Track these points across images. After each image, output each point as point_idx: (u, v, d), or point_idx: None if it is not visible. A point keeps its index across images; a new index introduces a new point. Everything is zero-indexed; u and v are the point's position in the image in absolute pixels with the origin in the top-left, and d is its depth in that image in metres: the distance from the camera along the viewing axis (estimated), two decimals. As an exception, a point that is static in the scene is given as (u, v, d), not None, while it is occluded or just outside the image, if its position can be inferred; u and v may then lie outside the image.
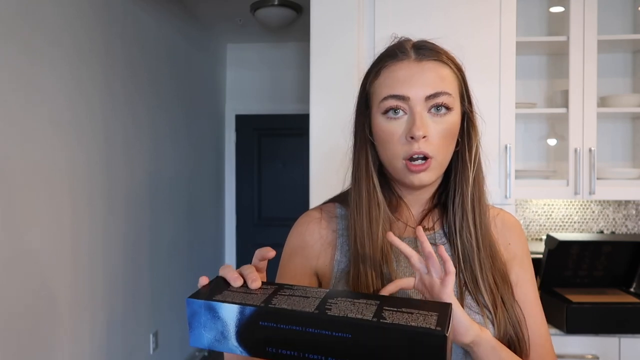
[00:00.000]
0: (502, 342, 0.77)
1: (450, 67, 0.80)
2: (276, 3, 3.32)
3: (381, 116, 0.79)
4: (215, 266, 4.40)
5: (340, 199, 0.90)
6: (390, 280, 0.79)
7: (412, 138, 0.76)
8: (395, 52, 0.80)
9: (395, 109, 0.77)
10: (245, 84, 4.64)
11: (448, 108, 0.78)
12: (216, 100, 4.44)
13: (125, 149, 2.75)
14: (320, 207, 0.91)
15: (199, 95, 4.00)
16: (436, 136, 0.77)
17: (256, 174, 4.70)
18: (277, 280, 0.91)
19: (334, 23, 1.80)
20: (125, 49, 2.77)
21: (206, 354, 3.99)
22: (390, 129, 0.78)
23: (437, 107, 0.77)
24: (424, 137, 0.76)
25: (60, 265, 2.17)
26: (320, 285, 0.88)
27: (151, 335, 3.06)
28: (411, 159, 0.77)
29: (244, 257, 4.71)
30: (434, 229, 0.85)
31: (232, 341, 0.61)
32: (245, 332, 0.60)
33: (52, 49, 2.11)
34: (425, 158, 0.77)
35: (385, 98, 0.78)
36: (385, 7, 1.81)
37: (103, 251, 2.51)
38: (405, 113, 0.77)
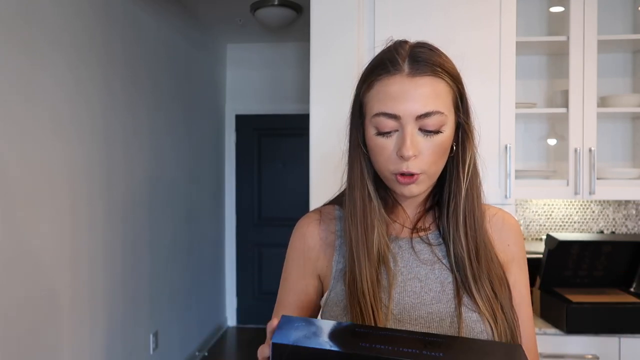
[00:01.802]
0: (498, 340, 0.78)
1: (446, 80, 0.78)
2: (276, 3, 3.32)
3: (373, 129, 0.78)
4: (215, 266, 4.40)
5: (339, 201, 0.91)
6: (386, 285, 0.80)
7: (400, 156, 0.76)
8: (388, 66, 0.77)
9: (386, 128, 0.77)
10: (245, 84, 4.64)
11: (439, 128, 0.77)
12: (216, 100, 4.44)
13: (125, 149, 2.75)
14: (320, 210, 0.92)
15: (199, 95, 4.01)
16: (426, 153, 0.77)
17: (256, 174, 4.70)
18: (281, 283, 0.92)
19: (334, 23, 1.80)
20: (125, 49, 2.77)
21: (206, 353, 3.99)
22: (380, 144, 0.78)
23: (428, 128, 0.77)
24: (414, 157, 0.76)
25: (60, 265, 2.17)
26: (322, 286, 0.89)
27: (151, 335, 3.06)
28: (400, 173, 0.77)
29: (244, 257, 4.71)
30: (429, 229, 0.86)
31: (324, 337, 0.60)
32: (338, 333, 0.61)
33: (52, 49, 2.11)
34: (411, 173, 0.77)
35: (377, 115, 0.77)
36: (385, 7, 1.81)
37: (103, 251, 2.51)
38: (397, 130, 0.77)
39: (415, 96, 0.75)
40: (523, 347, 0.86)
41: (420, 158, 0.77)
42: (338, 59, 1.79)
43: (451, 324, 0.79)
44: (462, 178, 0.82)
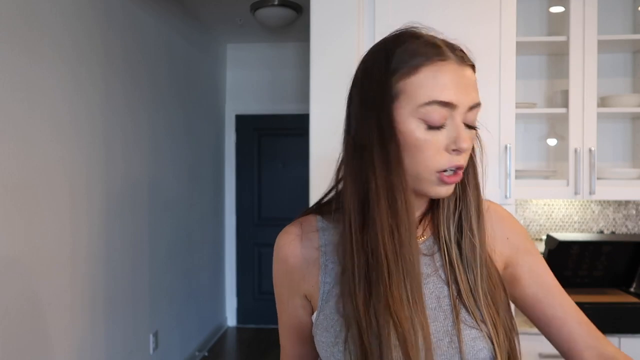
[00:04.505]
0: (500, 356, 0.73)
1: (475, 73, 0.74)
2: (276, 3, 3.32)
3: (417, 122, 0.69)
4: (215, 266, 4.40)
5: (321, 210, 0.83)
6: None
7: (454, 150, 0.70)
8: (439, 50, 0.70)
9: (439, 119, 0.69)
10: (245, 84, 4.64)
11: (476, 121, 0.73)
12: (216, 100, 4.44)
13: (124, 150, 2.75)
14: (300, 221, 0.84)
15: (199, 95, 4.00)
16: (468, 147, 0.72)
17: (256, 174, 4.70)
18: (276, 301, 0.88)
19: (333, 23, 1.80)
20: (125, 49, 2.77)
21: (206, 353, 3.99)
22: (428, 139, 0.69)
23: (470, 121, 0.72)
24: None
25: (60, 266, 2.17)
26: (311, 305, 0.82)
27: (151, 335, 3.06)
28: (445, 170, 0.71)
29: (244, 257, 4.71)
30: (424, 236, 0.80)
31: None
32: None
33: (52, 50, 2.11)
34: (456, 169, 0.72)
35: (429, 103, 0.68)
36: (385, 5, 1.81)
37: (103, 251, 2.51)
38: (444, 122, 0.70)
39: (466, 85, 0.70)
40: (586, 328, 0.81)
41: (465, 152, 0.72)
42: (338, 58, 1.79)
43: (450, 344, 0.73)
44: (478, 171, 0.78)
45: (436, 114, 0.68)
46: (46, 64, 2.08)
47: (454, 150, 0.69)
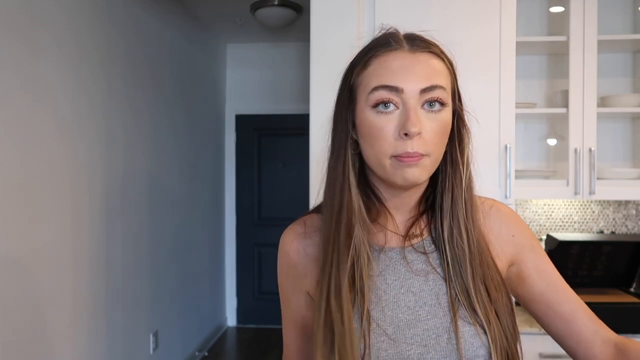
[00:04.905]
0: (498, 356, 0.73)
1: (444, 60, 0.75)
2: (276, 3, 3.32)
3: (370, 110, 0.72)
4: (215, 266, 4.40)
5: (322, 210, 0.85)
6: (373, 299, 0.75)
7: (405, 135, 0.69)
8: (388, 41, 0.74)
9: (386, 103, 0.71)
10: (245, 84, 4.64)
11: (442, 104, 0.72)
12: (216, 100, 4.44)
13: (125, 149, 2.75)
14: (304, 220, 0.86)
15: (199, 95, 4.01)
16: (430, 133, 0.71)
17: (256, 174, 4.70)
18: (280, 298, 0.88)
19: (334, 22, 1.80)
20: (126, 49, 2.77)
21: (206, 353, 3.99)
22: (379, 124, 0.71)
23: (431, 102, 0.71)
24: (419, 133, 0.69)
25: (61, 265, 2.17)
26: (313, 301, 0.83)
27: (151, 335, 3.06)
28: (401, 156, 0.71)
29: (244, 257, 4.71)
30: (422, 236, 0.80)
31: None
32: None
33: (54, 48, 2.11)
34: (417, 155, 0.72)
35: (376, 88, 0.71)
36: (385, 5, 1.81)
37: (103, 251, 2.51)
38: (397, 107, 0.71)
39: (418, 70, 0.71)
40: (595, 324, 0.80)
41: (423, 138, 0.70)
42: (338, 58, 1.79)
43: (448, 340, 0.74)
44: (460, 168, 0.77)
45: (383, 98, 0.71)
46: (49, 62, 2.08)
47: (404, 134, 0.70)
